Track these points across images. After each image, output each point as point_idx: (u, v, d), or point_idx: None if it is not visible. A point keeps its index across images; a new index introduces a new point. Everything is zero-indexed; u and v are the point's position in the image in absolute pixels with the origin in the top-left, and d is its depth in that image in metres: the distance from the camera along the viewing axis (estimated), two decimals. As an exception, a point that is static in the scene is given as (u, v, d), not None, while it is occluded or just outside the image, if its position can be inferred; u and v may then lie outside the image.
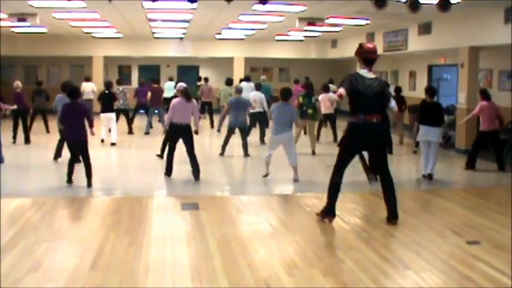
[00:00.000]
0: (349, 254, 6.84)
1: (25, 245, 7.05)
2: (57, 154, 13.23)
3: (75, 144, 10.93)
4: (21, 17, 16.09)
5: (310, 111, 14.93)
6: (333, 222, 8.35)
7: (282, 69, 30.03)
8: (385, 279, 6.09)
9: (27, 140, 16.42)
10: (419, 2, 11.19)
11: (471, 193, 10.83)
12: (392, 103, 8.53)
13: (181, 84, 11.84)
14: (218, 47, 26.69)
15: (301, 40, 25.35)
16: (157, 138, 15.65)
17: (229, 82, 21.21)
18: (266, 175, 11.64)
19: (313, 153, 15.14)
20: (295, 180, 11.47)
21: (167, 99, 22.80)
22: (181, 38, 25.61)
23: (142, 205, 9.35)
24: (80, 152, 11.03)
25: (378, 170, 8.69)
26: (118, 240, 7.35)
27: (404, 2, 11.38)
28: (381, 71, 25.00)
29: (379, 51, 20.44)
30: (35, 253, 6.80)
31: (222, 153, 14.69)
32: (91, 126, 11.12)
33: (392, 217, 8.23)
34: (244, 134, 14.87)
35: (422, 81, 21.41)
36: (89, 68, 26.44)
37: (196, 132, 11.76)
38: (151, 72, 26.99)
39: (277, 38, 24.46)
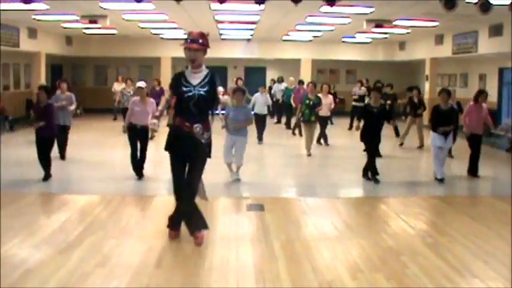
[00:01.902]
0: (414, 259, 6.75)
1: (93, 241, 7.25)
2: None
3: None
4: (93, 19, 16.49)
5: (307, 112, 15.10)
6: (397, 226, 8.27)
7: (349, 71, 29.84)
8: (451, 286, 5.98)
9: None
10: (490, 3, 10.95)
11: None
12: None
13: (140, 83, 11.79)
14: (285, 48, 26.71)
15: (369, 42, 25.14)
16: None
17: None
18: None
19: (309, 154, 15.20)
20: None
21: None
22: (248, 40, 25.75)
23: (207, 205, 9.43)
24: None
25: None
26: (183, 239, 7.46)
27: (475, 3, 11.16)
28: (449, 73, 24.58)
29: (448, 53, 20.26)
30: (103, 249, 6.99)
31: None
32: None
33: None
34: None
35: (492, 85, 20.94)
36: (157, 69, 26.88)
37: (152, 131, 11.37)
38: (218, 73, 27.12)
39: (344, 39, 24.33)
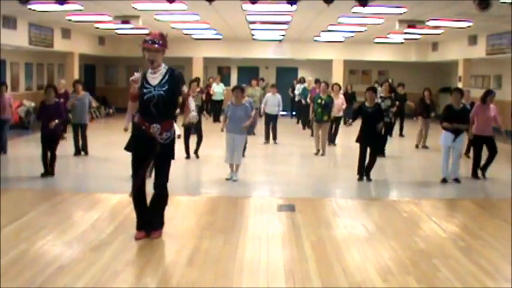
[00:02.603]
0: (445, 262, 6.68)
1: (124, 239, 7.30)
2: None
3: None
4: (125, 20, 16.63)
5: (319, 111, 15.15)
6: (429, 229, 8.21)
7: (381, 72, 29.68)
8: (483, 290, 5.92)
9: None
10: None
11: None
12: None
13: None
14: (317, 49, 26.68)
15: (401, 43, 24.97)
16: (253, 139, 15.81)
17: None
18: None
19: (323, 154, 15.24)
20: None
21: (217, 101, 23.31)
22: (280, 40, 25.76)
23: (238, 205, 9.49)
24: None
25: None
26: (214, 238, 7.49)
27: (510, 3, 11.01)
28: (483, 75, 24.29)
29: (481, 54, 20.02)
30: (134, 247, 7.05)
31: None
32: None
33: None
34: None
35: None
36: (189, 69, 27.03)
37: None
38: (250, 73, 27.23)
39: (377, 40, 24.20)
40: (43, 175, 11.54)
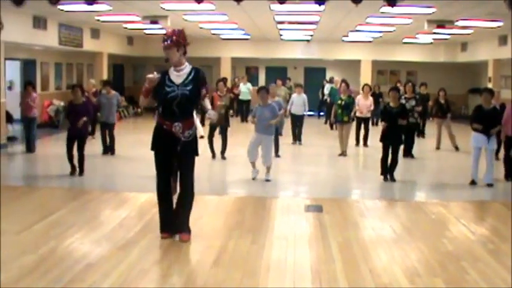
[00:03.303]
0: (474, 265, 6.60)
1: (152, 238, 7.33)
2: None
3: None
4: (154, 20, 16.73)
5: (339, 112, 15.11)
6: (458, 231, 8.13)
7: (410, 72, 29.44)
8: (513, 293, 5.85)
9: None
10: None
11: None
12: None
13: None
14: (345, 49, 26.61)
15: (430, 43, 24.79)
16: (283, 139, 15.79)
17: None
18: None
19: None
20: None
21: (244, 101, 23.32)
22: (308, 40, 25.72)
23: (266, 205, 9.49)
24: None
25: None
26: (241, 238, 7.50)
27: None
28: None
29: (507, 54, 19.71)
30: (161, 246, 7.09)
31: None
32: None
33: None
34: None
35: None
36: (217, 69, 27.11)
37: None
38: (278, 73, 27.19)
39: (405, 40, 24.06)
40: (72, 174, 11.65)
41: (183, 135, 7.00)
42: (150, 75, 7.10)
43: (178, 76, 7.04)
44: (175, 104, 6.92)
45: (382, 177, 11.79)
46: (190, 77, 7.03)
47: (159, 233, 7.35)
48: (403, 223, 8.58)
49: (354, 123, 16.31)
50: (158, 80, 7.05)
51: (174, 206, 7.38)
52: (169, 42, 6.95)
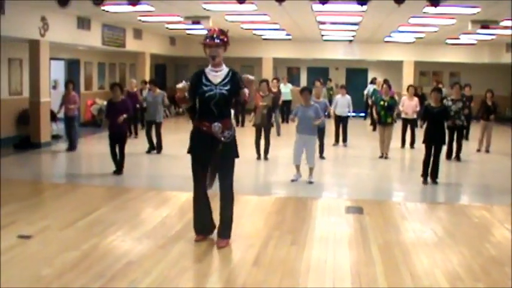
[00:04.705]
0: (518, 270, 6.50)
1: (192, 237, 7.34)
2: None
3: None
4: (195, 20, 16.81)
5: (382, 113, 14.90)
6: (501, 236, 7.99)
7: (453, 73, 29.04)
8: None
9: None
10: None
11: None
12: None
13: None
14: (387, 50, 26.37)
15: (474, 44, 24.42)
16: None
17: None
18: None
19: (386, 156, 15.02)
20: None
21: (285, 102, 23.26)
22: (350, 41, 25.58)
23: (306, 206, 9.48)
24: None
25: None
26: (281, 238, 7.50)
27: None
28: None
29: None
30: (201, 245, 7.12)
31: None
32: None
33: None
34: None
35: None
36: (259, 69, 27.15)
37: None
38: (319, 74, 27.07)
39: (448, 41, 23.75)
40: (115, 172, 11.80)
41: (223, 136, 6.94)
42: (180, 85, 7.07)
43: (216, 76, 6.96)
44: (212, 103, 6.86)
45: (422, 179, 11.65)
46: (228, 78, 6.95)
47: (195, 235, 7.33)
48: (445, 226, 8.47)
49: (396, 125, 16.11)
50: (189, 86, 7.02)
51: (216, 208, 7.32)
52: (219, 41, 6.88)
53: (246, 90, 6.99)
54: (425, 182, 11.58)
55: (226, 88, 6.90)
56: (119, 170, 11.83)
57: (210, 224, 7.36)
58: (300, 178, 11.52)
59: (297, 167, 11.59)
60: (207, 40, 6.87)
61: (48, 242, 7.12)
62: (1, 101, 15.58)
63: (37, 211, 8.82)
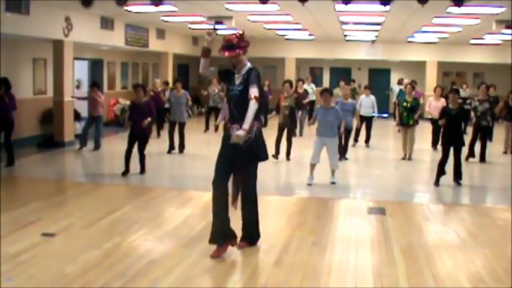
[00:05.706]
0: (543, 273, 6.42)
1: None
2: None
3: None
4: (218, 20, 16.83)
5: (405, 114, 14.79)
6: (526, 238, 7.92)
7: (477, 74, 28.78)
8: None
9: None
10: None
11: None
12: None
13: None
14: (410, 50, 26.23)
15: (498, 44, 24.19)
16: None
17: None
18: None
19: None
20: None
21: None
22: (372, 41, 25.48)
23: (328, 206, 9.46)
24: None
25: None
26: (303, 239, 7.50)
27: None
28: None
29: None
30: (224, 245, 7.13)
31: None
32: None
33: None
34: None
35: None
36: (281, 69, 27.13)
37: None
38: (342, 74, 26.99)
39: (472, 41, 23.55)
40: (123, 174, 11.65)
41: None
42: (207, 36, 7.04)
43: (237, 77, 6.87)
44: (232, 104, 6.79)
45: (448, 180, 11.50)
46: (244, 78, 6.75)
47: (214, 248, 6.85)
48: (468, 228, 8.40)
49: (422, 126, 15.99)
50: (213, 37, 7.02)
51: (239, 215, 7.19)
52: (237, 50, 6.73)
53: (254, 89, 6.61)
54: (437, 183, 11.42)
55: (239, 89, 6.73)
56: (141, 170, 11.85)
57: (230, 231, 6.94)
58: (313, 180, 11.36)
59: (312, 167, 11.37)
60: (222, 52, 6.78)
61: (72, 240, 7.18)
62: (25, 100, 15.72)
63: (61, 210, 8.92)
